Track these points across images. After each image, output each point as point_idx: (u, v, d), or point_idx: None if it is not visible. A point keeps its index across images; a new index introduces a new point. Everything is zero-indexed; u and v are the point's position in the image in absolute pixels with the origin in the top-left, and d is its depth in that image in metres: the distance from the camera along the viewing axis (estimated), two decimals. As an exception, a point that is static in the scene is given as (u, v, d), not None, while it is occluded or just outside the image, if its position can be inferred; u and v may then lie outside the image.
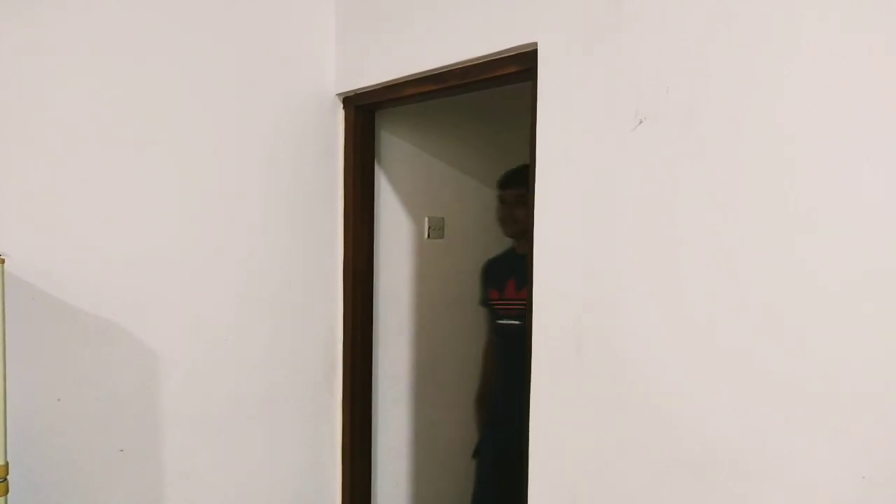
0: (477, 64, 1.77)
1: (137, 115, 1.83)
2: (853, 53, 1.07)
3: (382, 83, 2.09)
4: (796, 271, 1.14)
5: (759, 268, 1.19)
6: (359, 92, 2.22)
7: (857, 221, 1.07)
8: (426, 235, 2.66)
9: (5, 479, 1.30)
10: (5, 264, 1.29)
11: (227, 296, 2.05)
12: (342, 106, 2.30)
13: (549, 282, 1.58)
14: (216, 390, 2.05)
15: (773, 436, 1.18)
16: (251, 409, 2.13)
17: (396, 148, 2.54)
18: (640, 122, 1.36)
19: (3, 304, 1.28)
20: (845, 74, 1.08)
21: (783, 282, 1.16)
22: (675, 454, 1.33)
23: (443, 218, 2.68)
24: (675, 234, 1.31)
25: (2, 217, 1.63)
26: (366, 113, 2.31)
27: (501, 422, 2.52)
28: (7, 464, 1.31)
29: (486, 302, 2.57)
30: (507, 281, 2.45)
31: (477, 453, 2.63)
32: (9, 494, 1.32)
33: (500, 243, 2.59)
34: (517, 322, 2.37)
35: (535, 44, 1.57)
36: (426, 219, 2.66)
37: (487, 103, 2.72)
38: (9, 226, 1.64)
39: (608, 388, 1.45)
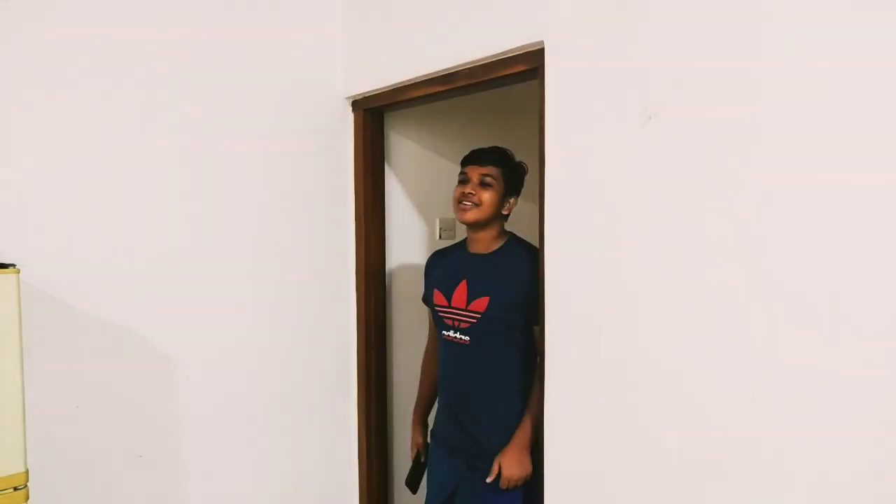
0: (484, 64, 1.77)
1: (149, 123, 1.85)
2: (866, 47, 1.05)
3: (391, 85, 2.09)
4: (813, 266, 1.12)
5: (775, 263, 1.17)
6: (367, 95, 2.22)
7: (874, 217, 1.05)
8: (437, 236, 2.66)
9: (25, 486, 1.32)
10: (21, 274, 1.31)
11: (242, 299, 2.07)
12: (351, 109, 2.31)
13: (560, 277, 1.57)
14: (232, 393, 2.06)
15: (787, 435, 1.16)
16: (267, 411, 2.15)
17: (406, 149, 2.54)
18: (650, 118, 1.34)
19: (20, 313, 1.29)
20: (859, 68, 1.06)
21: (799, 277, 1.14)
22: (689, 451, 1.31)
23: (454, 219, 2.67)
24: (686, 230, 1.30)
25: (17, 227, 1.65)
26: (375, 115, 2.32)
27: (445, 452, 2.03)
28: (27, 471, 1.32)
29: (430, 303, 2.10)
30: (457, 285, 1.98)
31: (412, 482, 2.19)
32: (29, 501, 1.33)
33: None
34: (465, 338, 1.94)
35: (542, 42, 1.57)
36: (437, 219, 2.66)
37: (496, 102, 2.71)
38: (24, 235, 1.66)
39: (621, 383, 1.44)
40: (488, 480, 1.85)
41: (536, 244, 1.71)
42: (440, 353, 2.07)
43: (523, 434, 1.85)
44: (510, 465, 1.82)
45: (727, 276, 1.24)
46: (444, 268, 2.09)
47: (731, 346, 1.24)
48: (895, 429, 1.05)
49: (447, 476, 2.01)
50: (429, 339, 2.26)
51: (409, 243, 2.58)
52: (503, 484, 1.83)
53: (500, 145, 2.02)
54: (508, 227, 2.03)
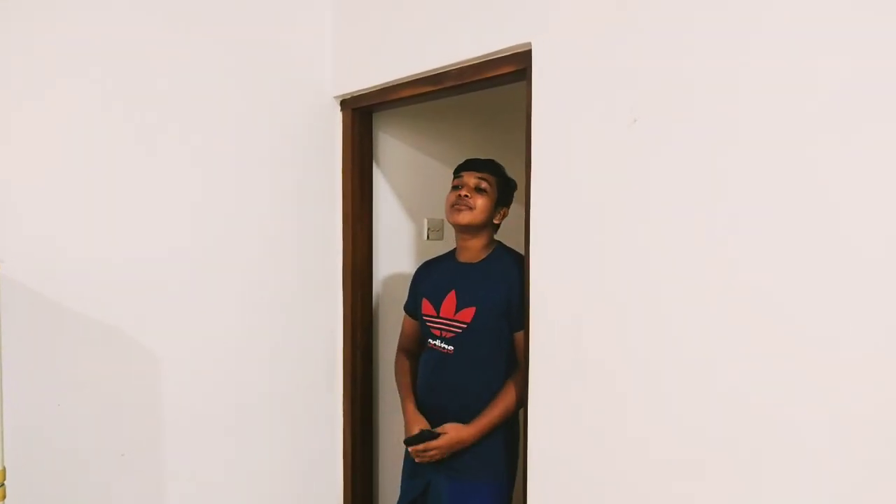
0: (472, 65, 1.77)
1: (136, 120, 1.84)
2: (851, 51, 1.06)
3: (379, 85, 2.09)
4: (795, 267, 1.13)
5: (758, 265, 1.18)
6: (356, 94, 2.22)
7: (858, 218, 1.06)
8: (426, 237, 2.66)
9: (3, 485, 1.30)
10: (2, 269, 1.30)
11: (228, 298, 2.06)
12: (340, 108, 2.31)
13: (545, 280, 1.57)
14: (217, 392, 2.05)
15: (774, 435, 1.17)
16: (252, 409, 2.14)
17: (395, 150, 2.54)
18: (635, 120, 1.35)
19: None
20: (843, 71, 1.07)
21: (783, 279, 1.15)
22: (673, 452, 1.32)
23: (442, 219, 2.67)
24: (672, 233, 1.31)
25: (0, 221, 1.64)
26: (364, 115, 2.32)
27: (412, 468, 2.05)
28: (4, 469, 1.31)
29: (417, 313, 2.12)
30: (446, 294, 2.00)
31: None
32: (6, 500, 1.32)
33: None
34: (449, 348, 1.95)
35: (530, 44, 1.58)
36: (425, 220, 2.66)
37: (486, 103, 2.72)
38: (6, 229, 1.64)
39: (606, 386, 1.44)
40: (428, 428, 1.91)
41: (523, 249, 1.71)
42: (422, 361, 2.09)
43: (484, 423, 1.87)
44: (448, 444, 1.87)
45: (712, 279, 1.25)
46: (433, 278, 2.10)
47: (714, 348, 1.25)
48: (874, 432, 1.06)
49: (419, 474, 2.02)
50: (398, 346, 2.27)
51: (397, 243, 2.58)
52: (429, 446, 1.87)
53: (492, 158, 2.07)
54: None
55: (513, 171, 2.06)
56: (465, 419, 1.91)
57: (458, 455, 1.90)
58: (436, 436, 1.91)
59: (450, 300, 1.99)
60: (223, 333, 2.05)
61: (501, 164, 2.06)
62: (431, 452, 1.88)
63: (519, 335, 1.85)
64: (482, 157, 2.04)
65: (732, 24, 1.20)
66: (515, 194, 2.05)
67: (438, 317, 2.00)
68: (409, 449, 1.94)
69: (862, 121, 1.05)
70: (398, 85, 2.04)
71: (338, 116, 2.32)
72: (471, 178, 1.97)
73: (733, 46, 1.20)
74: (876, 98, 1.03)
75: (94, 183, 1.77)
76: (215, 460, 2.06)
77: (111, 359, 1.82)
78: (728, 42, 1.21)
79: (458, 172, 2.02)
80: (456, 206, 1.96)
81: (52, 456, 1.73)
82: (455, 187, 2.00)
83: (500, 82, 1.78)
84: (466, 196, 1.94)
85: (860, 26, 1.05)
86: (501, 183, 2.00)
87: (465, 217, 1.94)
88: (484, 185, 1.95)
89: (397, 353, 2.26)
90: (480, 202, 1.94)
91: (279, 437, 2.21)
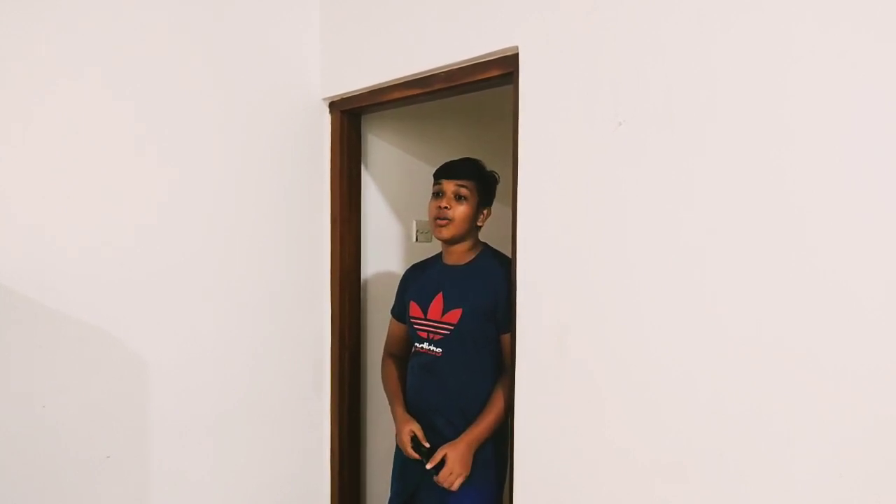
0: (460, 68, 1.78)
1: (121, 122, 1.83)
2: (828, 53, 1.08)
3: (368, 87, 2.10)
4: (770, 272, 1.15)
5: (737, 269, 1.20)
6: (345, 96, 2.23)
7: (840, 222, 1.08)
8: (414, 239, 2.67)
9: (-13, 486, 1.30)
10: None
11: (214, 300, 2.05)
12: (329, 110, 2.31)
13: (531, 282, 1.58)
14: (203, 395, 2.04)
15: (753, 437, 1.18)
16: (239, 413, 2.13)
17: (383, 152, 2.54)
18: (620, 124, 1.37)
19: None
20: (818, 74, 1.09)
21: (760, 283, 1.17)
22: (655, 455, 1.33)
23: (430, 221, 2.68)
24: (656, 235, 1.32)
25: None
26: (352, 117, 2.32)
27: (401, 470, 2.08)
28: (-11, 470, 1.30)
29: (404, 316, 2.13)
30: (433, 297, 2.01)
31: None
32: (-10, 501, 1.31)
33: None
34: (438, 350, 1.97)
35: (517, 48, 1.59)
36: (414, 222, 2.67)
37: (474, 105, 2.73)
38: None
39: (590, 389, 1.45)
40: (428, 466, 1.87)
41: (509, 249, 1.72)
42: (411, 366, 2.09)
43: (477, 432, 1.86)
44: (455, 461, 1.84)
45: (697, 284, 1.26)
46: (421, 281, 2.10)
47: (698, 353, 1.26)
48: (856, 438, 1.07)
49: (409, 476, 2.03)
50: (384, 350, 2.27)
51: (385, 245, 2.58)
52: (442, 477, 1.84)
53: (470, 156, 2.06)
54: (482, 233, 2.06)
55: (500, 172, 2.06)
56: (455, 421, 1.92)
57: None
58: (427, 450, 1.92)
59: (437, 302, 1.99)
60: (210, 335, 2.05)
61: (482, 160, 2.05)
62: (451, 478, 1.85)
63: (506, 337, 1.86)
64: (459, 159, 2.03)
65: (706, 33, 1.22)
66: (501, 195, 2.06)
67: (426, 319, 2.01)
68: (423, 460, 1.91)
69: (838, 128, 1.07)
70: (387, 87, 2.04)
71: (326, 118, 2.32)
72: (449, 186, 1.96)
73: (714, 54, 1.22)
74: (850, 103, 1.05)
75: (76, 185, 1.76)
76: (201, 463, 2.05)
77: (97, 361, 1.81)
78: (708, 50, 1.22)
79: (436, 178, 2.02)
80: (437, 220, 1.97)
81: (38, 458, 1.72)
82: (435, 194, 2.00)
83: (488, 85, 1.79)
84: (446, 208, 1.95)
85: (835, 34, 1.07)
86: (481, 185, 1.99)
87: (447, 232, 1.96)
88: (463, 191, 1.95)
89: (383, 358, 2.26)
90: (461, 210, 1.95)
91: (266, 440, 2.21)
